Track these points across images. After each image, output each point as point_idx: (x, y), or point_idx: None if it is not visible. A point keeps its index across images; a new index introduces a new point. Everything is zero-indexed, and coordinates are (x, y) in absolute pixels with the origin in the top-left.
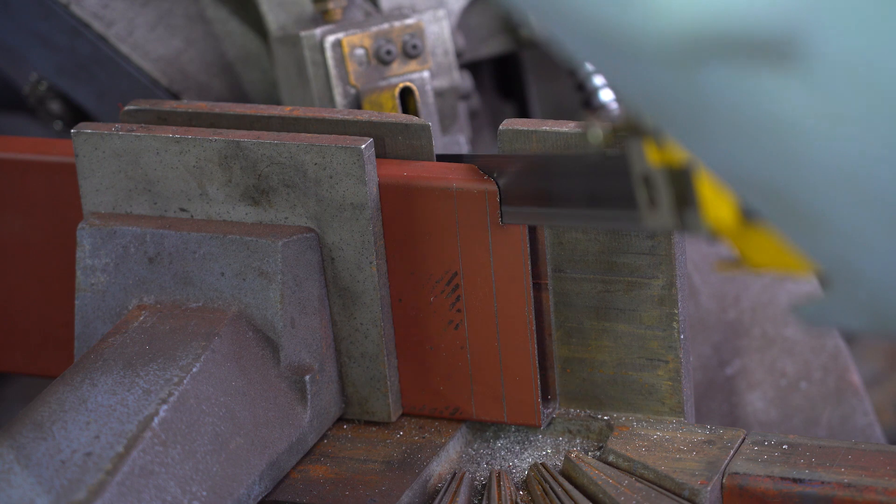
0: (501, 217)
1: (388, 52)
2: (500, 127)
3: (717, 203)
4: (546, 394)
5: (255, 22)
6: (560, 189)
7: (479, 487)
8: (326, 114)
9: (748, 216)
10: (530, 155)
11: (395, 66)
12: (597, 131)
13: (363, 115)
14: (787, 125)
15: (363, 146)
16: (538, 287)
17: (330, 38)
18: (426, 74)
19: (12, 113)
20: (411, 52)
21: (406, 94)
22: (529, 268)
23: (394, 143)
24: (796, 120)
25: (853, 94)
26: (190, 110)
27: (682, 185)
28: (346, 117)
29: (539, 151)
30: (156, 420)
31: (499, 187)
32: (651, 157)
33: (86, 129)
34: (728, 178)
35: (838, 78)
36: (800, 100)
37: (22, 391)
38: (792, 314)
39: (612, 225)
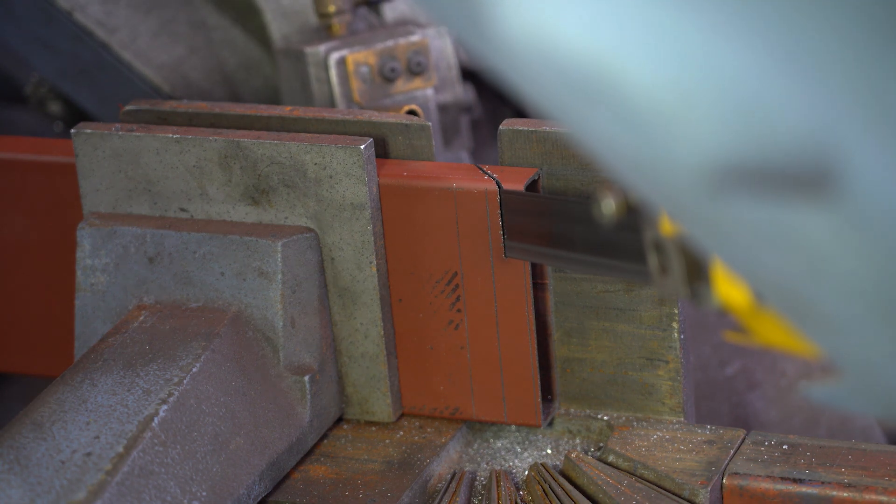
0: (504, 250)
1: (393, 70)
2: (500, 127)
3: (729, 283)
4: (546, 394)
5: (257, 30)
6: (566, 234)
7: (479, 487)
8: (326, 114)
9: (761, 300)
10: (564, 198)
11: (400, 84)
12: (609, 203)
13: (363, 115)
14: (812, 248)
15: (363, 146)
16: (538, 287)
17: (334, 56)
18: (430, 92)
19: (13, 107)
20: (416, 69)
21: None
22: (529, 268)
23: (394, 143)
24: (822, 244)
25: (883, 227)
26: (190, 110)
27: (694, 259)
28: (346, 117)
29: (559, 196)
30: (156, 420)
31: (503, 221)
32: (664, 227)
33: (86, 129)
34: (746, 278)
35: (868, 212)
36: (828, 229)
37: (22, 391)
38: (803, 392)
39: (618, 276)
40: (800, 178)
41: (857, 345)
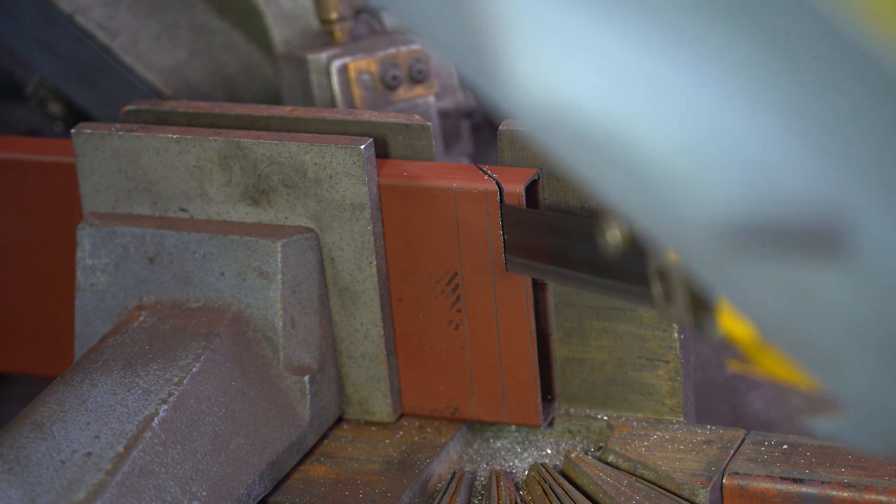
0: (506, 264)
1: (395, 77)
2: (500, 127)
3: (734, 317)
4: (546, 394)
5: (258, 34)
6: (568, 252)
7: (479, 487)
8: (326, 114)
9: (765, 338)
10: (567, 213)
11: (401, 91)
12: (615, 233)
13: (363, 115)
14: (819, 299)
15: (363, 146)
16: (538, 287)
17: (336, 63)
18: (431, 99)
19: (13, 103)
20: (417, 76)
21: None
22: None
23: (394, 143)
24: (829, 296)
25: (889, 279)
26: (190, 110)
27: (699, 289)
28: (346, 117)
29: (564, 212)
30: (156, 420)
31: (504, 236)
32: (670, 255)
33: (86, 129)
34: (751, 320)
35: (878, 268)
36: (835, 282)
37: (22, 391)
38: (808, 426)
39: (620, 297)
40: (809, 238)
41: (860, 385)
